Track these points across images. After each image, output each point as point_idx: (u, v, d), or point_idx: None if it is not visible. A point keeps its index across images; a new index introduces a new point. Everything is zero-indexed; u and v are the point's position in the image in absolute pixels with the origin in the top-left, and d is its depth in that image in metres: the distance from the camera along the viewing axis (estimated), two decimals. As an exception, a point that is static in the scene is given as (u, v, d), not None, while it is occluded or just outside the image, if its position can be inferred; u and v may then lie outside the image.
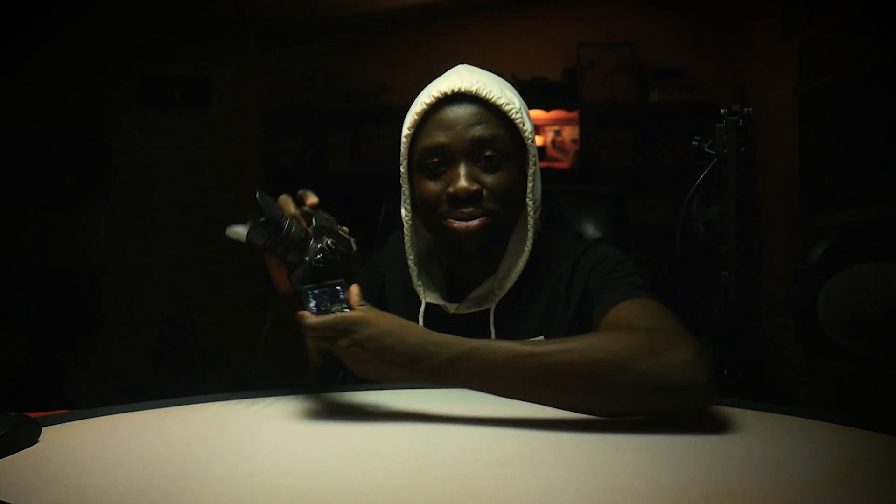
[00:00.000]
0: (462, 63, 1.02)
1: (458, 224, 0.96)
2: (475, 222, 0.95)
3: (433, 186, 0.97)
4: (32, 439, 0.68)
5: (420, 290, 1.03)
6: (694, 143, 1.41)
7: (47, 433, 0.70)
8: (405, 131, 0.99)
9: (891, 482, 0.56)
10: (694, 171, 1.42)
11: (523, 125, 0.97)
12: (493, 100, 0.95)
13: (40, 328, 3.06)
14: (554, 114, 3.33)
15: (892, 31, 2.18)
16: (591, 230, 1.21)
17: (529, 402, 0.73)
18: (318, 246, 0.79)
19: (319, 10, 3.31)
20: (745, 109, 1.37)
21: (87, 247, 3.28)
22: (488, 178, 0.96)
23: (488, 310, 1.01)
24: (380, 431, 0.71)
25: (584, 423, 0.74)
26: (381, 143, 3.37)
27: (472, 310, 1.02)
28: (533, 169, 0.98)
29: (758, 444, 0.67)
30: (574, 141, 3.36)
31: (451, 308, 1.02)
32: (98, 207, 3.29)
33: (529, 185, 0.99)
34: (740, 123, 1.36)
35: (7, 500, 0.52)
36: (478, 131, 0.95)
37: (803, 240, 2.62)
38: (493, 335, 1.00)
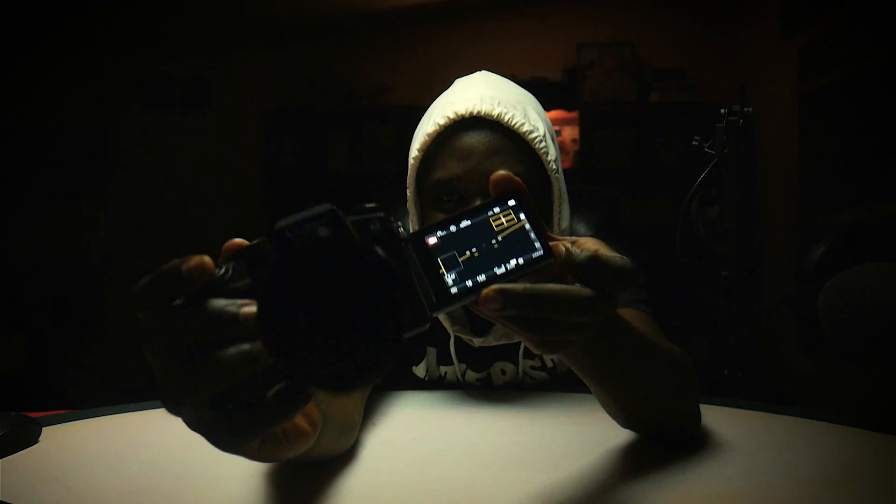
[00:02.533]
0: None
1: None
2: None
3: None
4: (32, 439, 0.68)
5: (447, 323, 0.93)
6: (694, 143, 1.41)
7: (47, 433, 0.70)
8: (413, 152, 0.86)
9: (891, 482, 0.56)
10: (694, 171, 1.42)
11: (547, 155, 0.85)
12: (515, 127, 0.84)
13: (40, 328, 3.06)
14: (554, 114, 3.33)
15: (892, 31, 2.18)
16: (582, 230, 1.16)
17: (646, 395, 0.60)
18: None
19: (319, 10, 3.31)
20: (745, 109, 1.37)
21: (87, 246, 3.28)
22: None
23: (519, 342, 0.93)
24: (380, 435, 0.71)
25: (583, 425, 0.74)
26: (382, 143, 3.37)
27: (503, 342, 0.93)
28: (559, 202, 0.87)
29: (757, 444, 0.67)
30: (574, 141, 3.36)
31: (477, 342, 0.93)
32: (99, 207, 3.29)
33: (555, 217, 0.88)
34: (740, 123, 1.36)
35: (7, 500, 0.52)
36: (496, 165, 0.82)
37: (803, 240, 2.62)
38: (520, 363, 0.96)
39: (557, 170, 0.87)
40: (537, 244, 0.42)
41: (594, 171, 3.26)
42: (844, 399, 2.21)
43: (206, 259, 0.37)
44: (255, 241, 0.38)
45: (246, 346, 0.35)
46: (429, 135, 0.85)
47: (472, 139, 0.83)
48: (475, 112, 0.84)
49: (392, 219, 0.42)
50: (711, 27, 3.31)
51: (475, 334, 0.93)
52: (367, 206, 0.41)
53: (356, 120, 3.42)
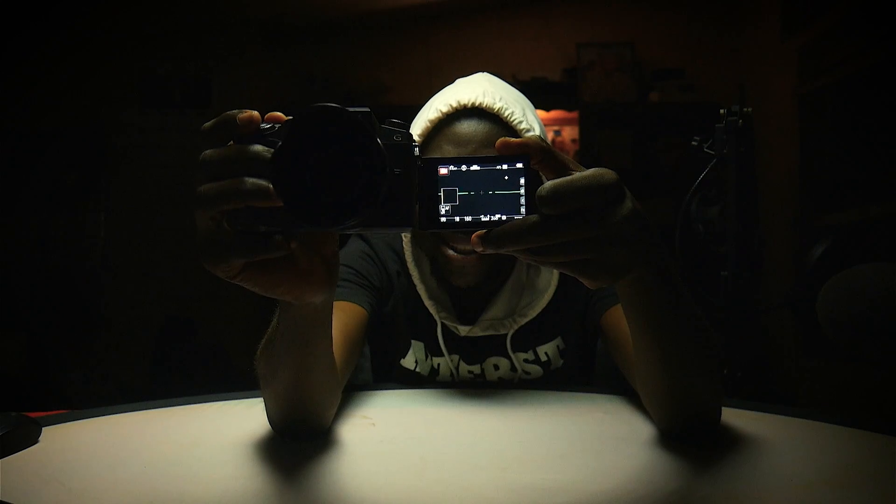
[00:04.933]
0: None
1: (453, 254, 0.87)
2: (473, 256, 0.86)
3: None
4: (32, 439, 0.68)
5: (434, 309, 0.94)
6: (694, 143, 1.42)
7: (47, 433, 0.70)
8: (415, 137, 0.92)
9: (891, 483, 0.56)
10: (694, 171, 1.42)
11: None
12: (514, 123, 0.85)
13: (40, 328, 3.06)
14: (554, 114, 3.33)
15: (892, 31, 2.18)
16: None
17: (668, 354, 0.59)
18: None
19: (319, 10, 3.31)
20: (745, 109, 1.37)
21: (87, 246, 3.28)
22: None
23: (504, 333, 0.95)
24: (380, 436, 0.71)
25: (583, 426, 0.74)
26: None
27: (489, 332, 0.95)
28: None
29: (758, 445, 0.67)
30: (574, 141, 3.36)
31: (463, 331, 0.94)
32: (98, 207, 3.29)
33: None
34: (740, 123, 1.36)
35: (7, 500, 0.52)
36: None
37: (803, 240, 2.62)
38: (512, 358, 0.96)
39: None
40: (522, 210, 0.48)
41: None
42: (844, 399, 2.21)
43: (255, 114, 0.49)
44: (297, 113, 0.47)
45: (264, 182, 0.45)
46: (431, 121, 0.87)
47: (471, 128, 0.85)
48: (477, 103, 0.85)
49: (412, 138, 0.50)
50: (711, 27, 3.31)
51: (461, 322, 0.94)
52: (397, 121, 0.50)
53: (356, 120, 3.41)
